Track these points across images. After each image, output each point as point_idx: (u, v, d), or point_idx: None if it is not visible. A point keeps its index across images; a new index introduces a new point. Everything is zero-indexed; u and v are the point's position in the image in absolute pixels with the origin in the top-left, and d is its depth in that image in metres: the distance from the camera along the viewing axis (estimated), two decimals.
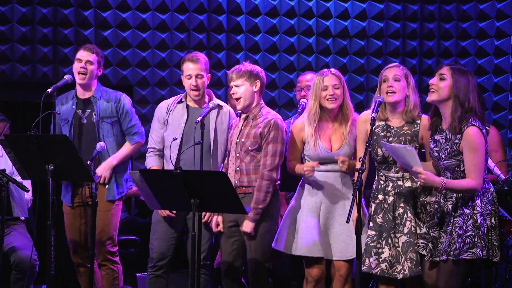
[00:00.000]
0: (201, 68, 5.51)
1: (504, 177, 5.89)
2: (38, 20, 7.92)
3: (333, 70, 5.26)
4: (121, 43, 8.09)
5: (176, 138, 5.57)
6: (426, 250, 4.80)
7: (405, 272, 4.91)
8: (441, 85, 4.72)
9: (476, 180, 4.63)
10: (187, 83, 5.54)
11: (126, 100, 5.90)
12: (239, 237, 5.29)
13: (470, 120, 4.65)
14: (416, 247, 4.87)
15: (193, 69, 5.50)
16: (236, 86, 5.27)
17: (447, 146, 4.72)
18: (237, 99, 5.28)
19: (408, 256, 4.91)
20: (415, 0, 8.45)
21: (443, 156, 4.73)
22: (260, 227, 5.21)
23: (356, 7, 8.40)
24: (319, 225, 5.19)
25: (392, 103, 5.00)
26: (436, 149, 4.79)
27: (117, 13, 8.08)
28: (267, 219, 5.23)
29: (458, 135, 4.66)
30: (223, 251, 5.37)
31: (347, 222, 4.58)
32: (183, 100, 5.63)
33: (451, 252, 4.65)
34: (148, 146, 5.70)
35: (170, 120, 5.61)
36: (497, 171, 5.89)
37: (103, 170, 5.78)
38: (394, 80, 4.98)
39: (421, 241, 4.84)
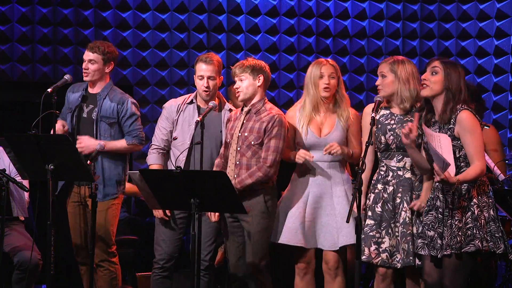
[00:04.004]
0: (214, 70, 5.51)
1: (504, 177, 5.89)
2: (38, 20, 7.93)
3: (330, 60, 5.37)
4: (121, 43, 8.10)
5: (176, 138, 5.59)
6: (424, 250, 4.79)
7: (404, 261, 4.94)
8: (433, 79, 4.77)
9: (481, 161, 4.67)
10: (199, 83, 5.55)
11: (131, 104, 5.81)
12: (241, 232, 5.30)
13: (461, 105, 4.71)
14: (416, 249, 4.88)
15: (206, 70, 5.51)
16: (239, 80, 5.30)
17: None
18: (239, 91, 5.30)
19: (401, 247, 4.94)
20: (415, 0, 8.46)
21: None
22: (259, 224, 5.22)
23: (356, 7, 8.41)
24: (304, 215, 5.26)
25: (386, 97, 5.07)
26: None
27: (117, 13, 8.09)
28: (266, 216, 5.24)
29: (452, 120, 4.70)
30: (228, 249, 5.37)
31: (347, 221, 4.61)
32: (194, 100, 5.64)
33: (453, 246, 4.65)
34: (152, 143, 5.68)
35: (180, 120, 5.61)
36: (497, 171, 5.89)
37: (88, 142, 5.66)
38: (381, 76, 5.05)
39: (419, 240, 4.83)
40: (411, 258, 4.92)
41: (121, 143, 5.78)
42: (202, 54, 5.64)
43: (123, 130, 5.81)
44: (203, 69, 5.51)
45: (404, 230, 4.94)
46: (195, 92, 5.67)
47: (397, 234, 4.97)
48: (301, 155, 5.23)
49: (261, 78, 5.32)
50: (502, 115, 8.29)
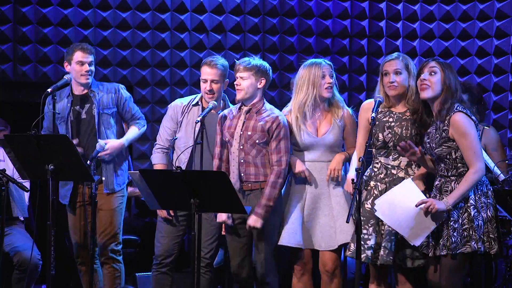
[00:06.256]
0: (218, 74, 5.52)
1: (504, 177, 5.89)
2: (38, 20, 7.92)
3: (326, 60, 5.39)
4: (121, 43, 8.09)
5: (177, 138, 5.61)
6: (428, 250, 4.80)
7: (383, 258, 4.94)
8: (434, 79, 4.78)
9: (478, 165, 4.67)
10: (202, 86, 5.57)
11: (123, 90, 5.97)
12: (247, 233, 5.30)
13: (456, 106, 4.72)
14: (420, 248, 4.88)
15: (209, 74, 5.52)
16: (241, 77, 5.29)
17: (437, 135, 4.78)
18: (239, 89, 5.29)
19: (383, 244, 4.94)
20: (415, 0, 8.45)
21: (433, 145, 4.79)
22: (269, 225, 5.23)
23: (356, 7, 8.40)
24: (302, 216, 5.27)
25: (394, 97, 5.06)
26: (428, 140, 4.84)
27: (117, 13, 8.08)
28: (275, 215, 5.25)
29: (446, 121, 4.71)
30: (232, 249, 5.37)
31: (347, 222, 4.62)
32: (199, 103, 5.64)
33: (450, 246, 4.67)
34: (157, 142, 5.72)
35: (184, 122, 5.62)
36: (497, 171, 5.89)
37: (112, 148, 5.76)
38: (395, 73, 5.03)
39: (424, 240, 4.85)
40: (391, 257, 4.92)
41: (134, 131, 5.93)
42: (208, 57, 5.67)
43: (124, 116, 5.89)
44: (206, 72, 5.53)
45: (389, 228, 4.95)
46: (201, 94, 5.67)
47: (382, 232, 4.99)
48: (302, 172, 5.26)
49: (263, 81, 5.32)
50: (502, 115, 8.29)
